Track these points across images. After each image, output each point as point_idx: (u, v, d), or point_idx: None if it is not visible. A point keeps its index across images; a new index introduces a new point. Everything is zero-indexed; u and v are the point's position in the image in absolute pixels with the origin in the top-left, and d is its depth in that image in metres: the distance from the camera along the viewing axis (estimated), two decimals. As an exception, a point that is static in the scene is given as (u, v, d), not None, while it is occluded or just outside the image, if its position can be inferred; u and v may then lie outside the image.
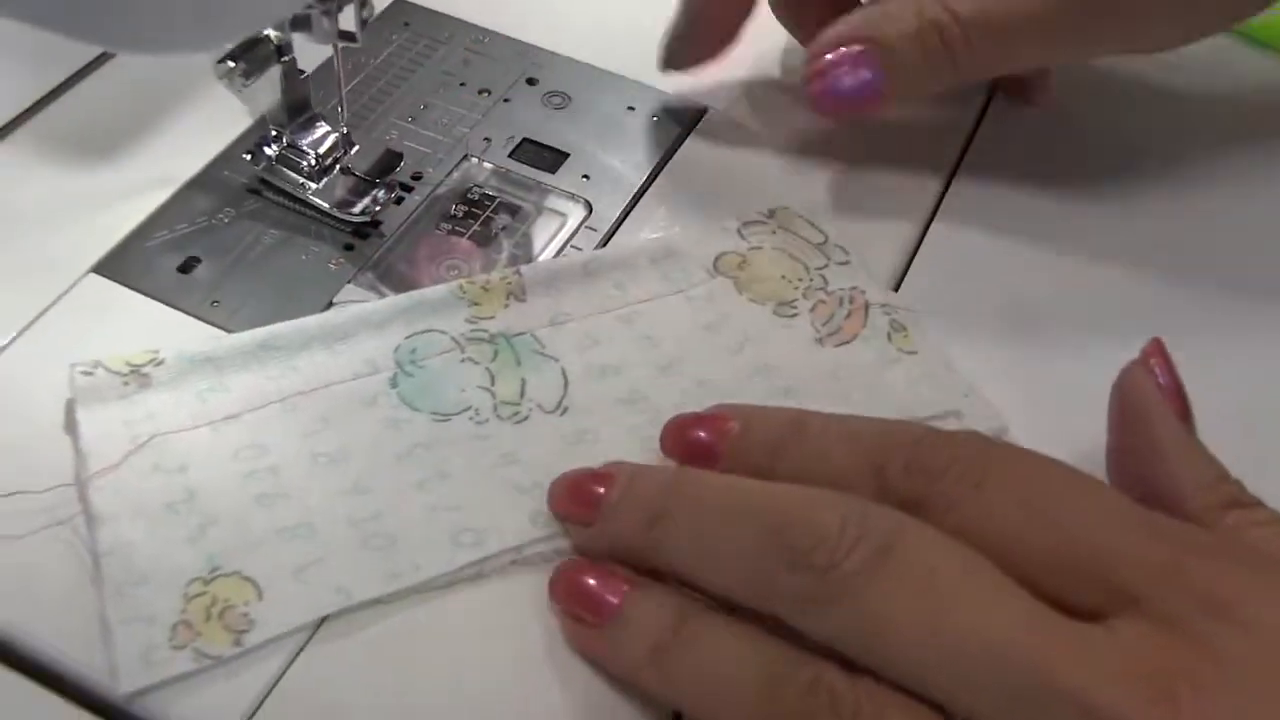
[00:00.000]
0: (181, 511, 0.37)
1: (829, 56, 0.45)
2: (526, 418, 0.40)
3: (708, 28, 0.51)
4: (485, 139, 0.51)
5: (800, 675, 0.31)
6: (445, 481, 0.39)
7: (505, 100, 0.53)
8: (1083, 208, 0.44)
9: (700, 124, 0.53)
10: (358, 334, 0.42)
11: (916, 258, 0.47)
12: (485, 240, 0.47)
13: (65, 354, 0.41)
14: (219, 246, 0.46)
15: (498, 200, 0.48)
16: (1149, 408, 0.36)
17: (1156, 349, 0.37)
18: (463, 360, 0.42)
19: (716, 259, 0.46)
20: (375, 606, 0.36)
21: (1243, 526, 0.32)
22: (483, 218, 0.48)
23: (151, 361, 0.40)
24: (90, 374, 0.39)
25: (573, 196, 0.49)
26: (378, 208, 0.47)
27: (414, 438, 0.39)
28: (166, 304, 0.44)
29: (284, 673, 0.35)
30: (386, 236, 0.47)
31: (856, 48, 0.44)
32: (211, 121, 0.50)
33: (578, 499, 0.37)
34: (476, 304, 0.43)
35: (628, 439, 0.40)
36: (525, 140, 0.51)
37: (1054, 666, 0.28)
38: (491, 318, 0.43)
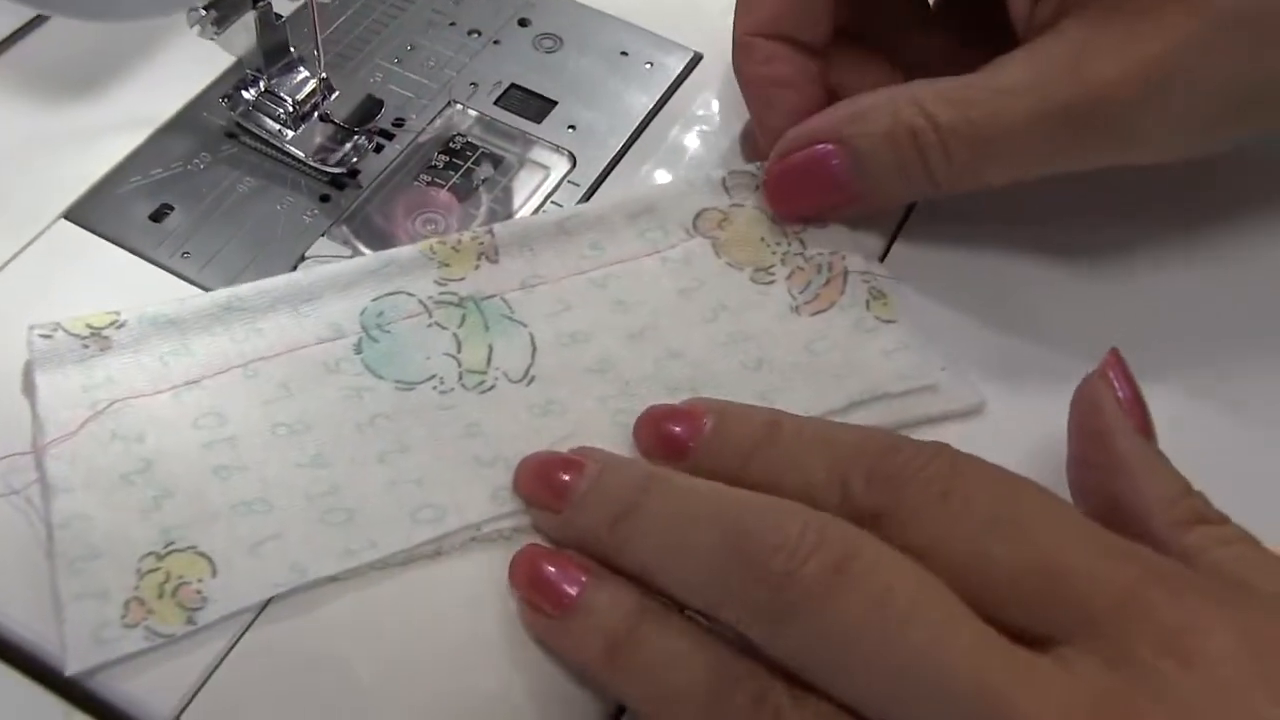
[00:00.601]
0: (138, 482, 0.36)
1: (797, 155, 0.43)
2: (492, 387, 0.40)
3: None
4: (472, 84, 0.49)
5: (747, 687, 0.31)
6: (406, 454, 0.38)
7: (495, 42, 0.51)
8: (1076, 187, 0.42)
9: (694, 72, 0.51)
10: (324, 295, 0.41)
11: (904, 227, 0.46)
12: (465, 193, 0.46)
13: (32, 306, 0.40)
14: (193, 193, 0.45)
15: (480, 151, 0.47)
16: (1109, 421, 0.35)
17: (1115, 361, 0.36)
18: (430, 325, 0.41)
19: (696, 216, 0.45)
20: (327, 582, 0.36)
21: (1207, 545, 0.32)
22: (464, 169, 0.47)
23: (112, 324, 0.39)
24: (49, 337, 0.39)
25: (557, 148, 0.48)
26: (355, 159, 0.46)
27: (376, 407, 0.39)
28: (137, 254, 0.43)
29: (231, 649, 0.35)
30: (364, 187, 0.46)
31: (826, 146, 0.42)
32: (192, 59, 0.48)
33: (544, 484, 0.37)
34: (446, 265, 0.42)
35: (596, 409, 0.40)
36: (513, 86, 0.50)
37: (1002, 693, 0.27)
38: (461, 279, 0.42)
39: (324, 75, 0.46)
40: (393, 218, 0.45)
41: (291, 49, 0.46)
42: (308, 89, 0.46)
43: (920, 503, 0.31)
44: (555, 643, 0.35)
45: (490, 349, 0.40)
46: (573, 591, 0.34)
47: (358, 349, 0.40)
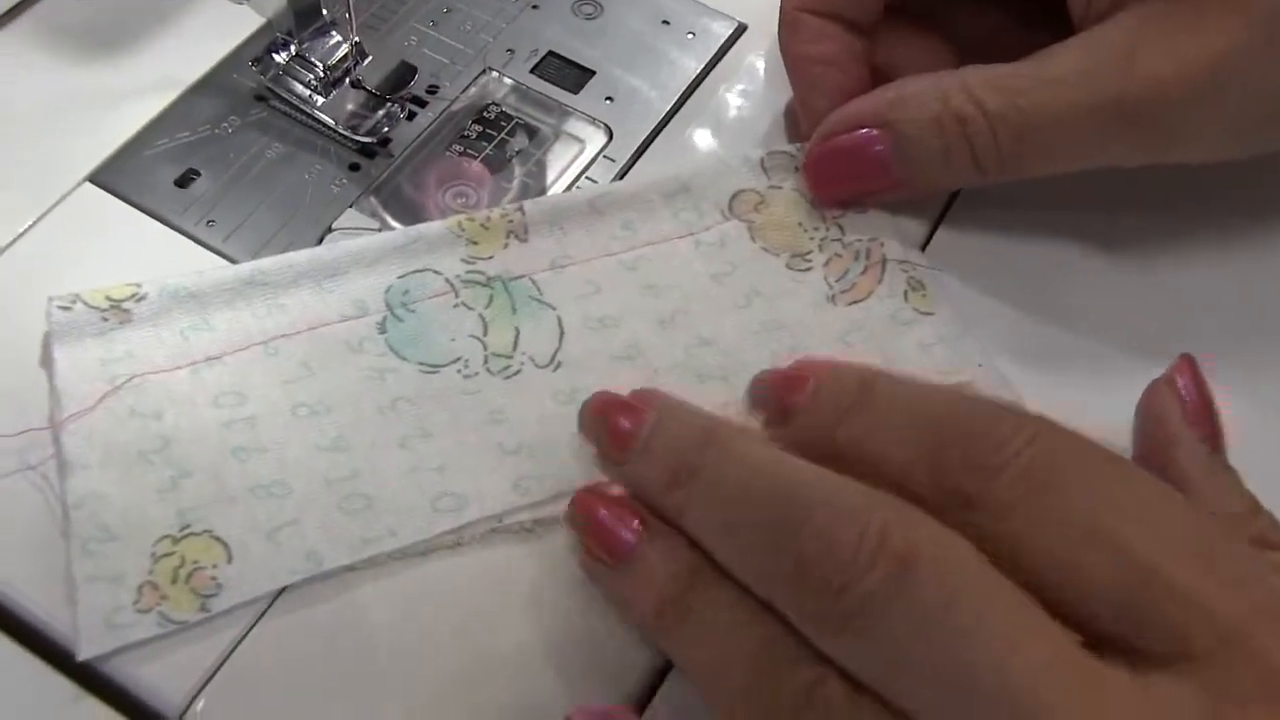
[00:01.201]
0: (155, 462, 0.36)
1: (839, 138, 0.42)
2: (518, 372, 0.39)
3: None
4: (509, 50, 0.48)
5: (800, 674, 0.29)
6: (428, 440, 0.37)
7: (534, 6, 0.50)
8: (1125, 175, 0.41)
9: (737, 43, 0.49)
10: (349, 271, 0.40)
11: (949, 214, 0.45)
12: (498, 165, 0.45)
13: (55, 272, 0.40)
14: (220, 158, 0.44)
15: (515, 121, 0.46)
16: (1173, 431, 0.33)
17: (1186, 366, 0.34)
18: (456, 305, 0.40)
19: (732, 198, 0.43)
20: (344, 570, 0.35)
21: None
22: (497, 140, 0.45)
23: (132, 296, 0.38)
24: (68, 309, 0.38)
25: (593, 121, 0.46)
26: (386, 128, 0.45)
27: (399, 390, 0.38)
28: (161, 220, 0.42)
29: (245, 635, 0.34)
30: (394, 157, 0.45)
31: (870, 131, 0.41)
32: (224, 18, 0.47)
33: (606, 429, 0.35)
34: (475, 242, 0.41)
35: None
36: (550, 54, 0.48)
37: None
38: (490, 258, 0.41)
39: (356, 40, 0.45)
40: (423, 189, 0.44)
41: (324, 11, 0.45)
42: (339, 54, 0.45)
43: (1014, 496, 0.29)
44: (609, 590, 0.35)
45: (517, 332, 0.40)
46: (629, 540, 0.33)
47: (381, 328, 0.39)
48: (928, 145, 0.40)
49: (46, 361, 0.38)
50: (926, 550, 0.28)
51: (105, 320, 0.38)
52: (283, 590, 0.35)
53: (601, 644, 0.35)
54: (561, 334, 0.40)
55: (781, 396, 0.34)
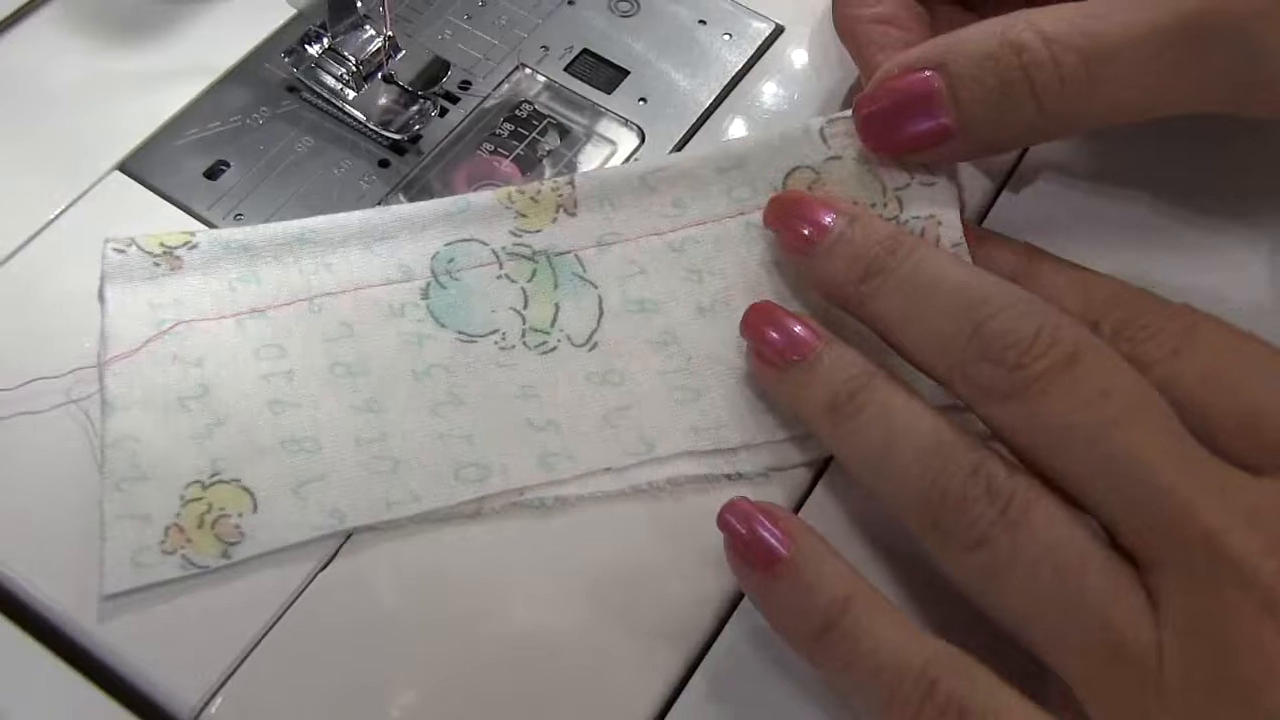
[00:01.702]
0: (192, 408, 0.36)
1: (892, 85, 0.39)
2: (554, 349, 0.38)
3: None
4: (543, 47, 0.48)
5: (966, 456, 0.32)
6: (459, 409, 0.37)
7: (570, 2, 0.49)
8: (1183, 154, 0.40)
9: (774, 44, 0.49)
10: (397, 236, 0.40)
11: (1006, 188, 0.44)
12: (529, 165, 0.44)
13: (82, 260, 0.39)
14: (250, 150, 0.44)
15: (547, 120, 0.46)
16: None
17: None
18: (499, 276, 0.40)
19: (787, 176, 0.41)
20: (355, 564, 0.35)
21: None
22: (529, 139, 0.45)
23: (186, 244, 0.39)
24: (123, 252, 0.38)
25: (626, 122, 0.46)
26: (417, 125, 0.44)
27: (435, 357, 0.38)
28: (189, 212, 0.42)
29: (261, 640, 0.34)
30: (424, 154, 0.44)
31: (925, 73, 0.38)
32: (256, 7, 0.47)
33: (799, 220, 0.38)
34: (523, 215, 0.41)
35: (656, 384, 0.38)
36: (585, 52, 0.48)
37: (1194, 504, 0.29)
38: (537, 231, 0.40)
39: (390, 34, 0.44)
40: (452, 188, 0.43)
41: (358, 4, 0.44)
42: (373, 48, 0.44)
43: (1154, 356, 0.34)
44: (778, 392, 0.37)
45: (557, 308, 0.39)
46: (811, 340, 0.36)
47: (424, 294, 0.39)
48: (983, 83, 0.37)
49: (100, 299, 0.38)
50: (1092, 354, 0.32)
51: (157, 266, 0.38)
52: (293, 589, 0.35)
53: (616, 630, 0.35)
54: (600, 314, 0.39)
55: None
